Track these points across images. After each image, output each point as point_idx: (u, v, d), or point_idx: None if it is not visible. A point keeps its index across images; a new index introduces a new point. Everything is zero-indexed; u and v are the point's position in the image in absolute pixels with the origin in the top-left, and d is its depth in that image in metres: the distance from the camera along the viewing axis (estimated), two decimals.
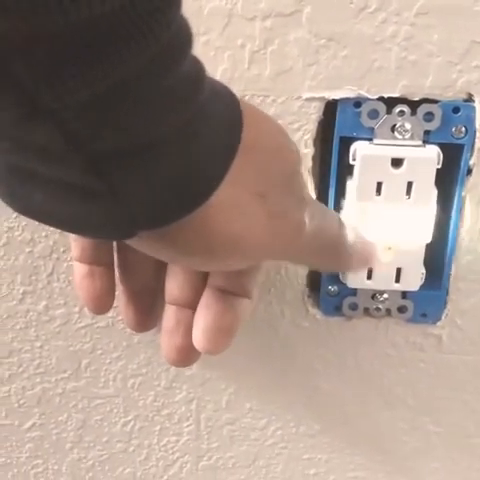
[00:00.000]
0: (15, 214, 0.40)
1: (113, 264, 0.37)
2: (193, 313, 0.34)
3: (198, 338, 0.34)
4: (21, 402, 0.46)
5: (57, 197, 0.24)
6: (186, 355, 0.35)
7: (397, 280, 0.39)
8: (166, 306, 0.36)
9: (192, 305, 0.35)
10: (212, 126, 0.25)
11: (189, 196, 0.25)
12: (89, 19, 0.19)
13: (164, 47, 0.21)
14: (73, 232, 0.28)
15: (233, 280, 0.34)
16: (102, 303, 0.37)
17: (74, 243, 0.37)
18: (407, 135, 0.36)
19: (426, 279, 0.39)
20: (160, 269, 0.36)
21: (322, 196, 0.39)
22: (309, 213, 0.30)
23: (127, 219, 0.25)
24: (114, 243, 0.37)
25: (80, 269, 0.37)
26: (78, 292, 0.37)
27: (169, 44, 0.21)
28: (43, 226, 0.40)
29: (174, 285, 0.35)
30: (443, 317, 0.41)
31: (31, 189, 0.24)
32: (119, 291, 0.38)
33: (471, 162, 0.37)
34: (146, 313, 0.39)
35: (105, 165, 0.23)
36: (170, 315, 0.35)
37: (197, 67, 0.24)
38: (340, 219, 0.34)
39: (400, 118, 0.36)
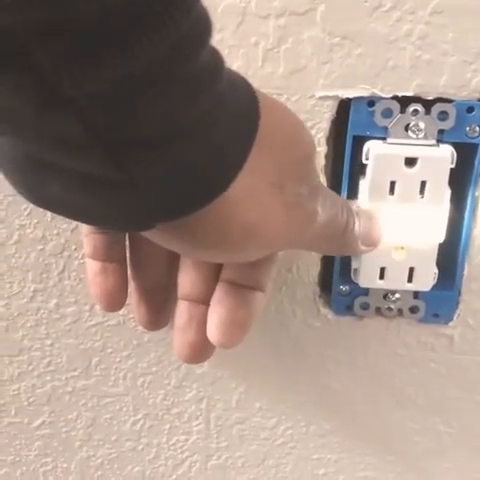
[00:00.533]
0: (27, 212, 0.40)
1: (125, 261, 0.37)
2: (206, 308, 0.34)
3: (213, 332, 0.33)
4: (31, 400, 0.46)
5: (75, 188, 0.24)
6: (199, 351, 0.35)
7: (409, 280, 0.39)
8: (178, 302, 0.36)
9: (205, 300, 0.35)
10: (230, 116, 0.25)
11: (208, 187, 0.25)
12: (110, 7, 0.19)
13: (184, 35, 0.21)
14: (90, 224, 0.28)
15: (246, 273, 0.34)
16: (115, 300, 0.37)
17: (86, 240, 0.36)
18: (421, 134, 0.36)
19: (438, 279, 0.39)
20: (172, 265, 0.36)
21: None
22: (321, 202, 0.31)
23: (146, 211, 0.25)
24: (126, 240, 0.37)
25: (93, 266, 0.37)
26: (90, 289, 0.37)
27: (189, 32, 0.21)
28: (55, 223, 0.40)
29: (186, 280, 0.35)
30: (455, 317, 0.41)
31: (48, 180, 0.24)
32: (131, 288, 0.38)
33: None
34: (158, 311, 0.39)
35: (124, 155, 0.23)
36: (182, 311, 0.35)
37: (216, 57, 0.24)
38: (348, 204, 0.34)
39: (414, 117, 0.36)
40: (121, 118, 0.22)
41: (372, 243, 0.36)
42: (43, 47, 0.19)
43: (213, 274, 0.35)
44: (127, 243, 0.37)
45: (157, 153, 0.23)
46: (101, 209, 0.25)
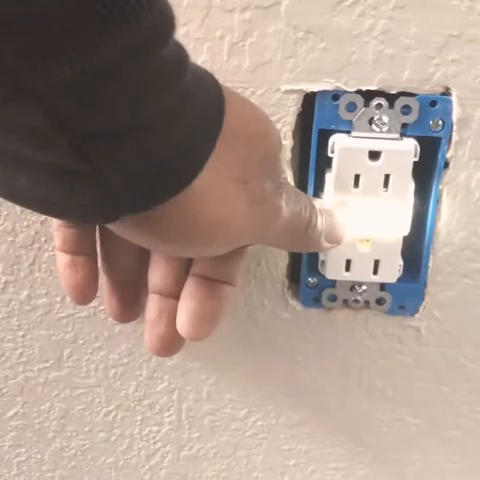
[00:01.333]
0: None
1: (96, 254, 0.38)
2: (176, 303, 0.35)
3: (182, 325, 0.34)
4: (4, 391, 0.47)
5: (41, 180, 0.24)
6: (169, 344, 0.36)
7: (375, 272, 0.39)
8: (149, 296, 0.36)
9: (175, 294, 0.35)
10: (195, 111, 0.25)
11: (171, 180, 0.25)
12: (71, 1, 0.19)
13: (146, 29, 0.21)
14: (56, 216, 0.28)
15: (216, 268, 0.34)
16: (84, 293, 0.37)
17: (56, 233, 0.37)
18: (385, 128, 0.36)
19: (404, 271, 0.39)
20: (143, 260, 0.37)
21: (301, 188, 0.39)
22: (285, 198, 0.31)
23: (110, 202, 0.25)
24: (97, 233, 0.37)
25: (62, 259, 0.37)
26: (61, 281, 0.37)
27: (151, 26, 0.21)
28: (25, 216, 0.40)
29: (157, 275, 0.35)
30: (421, 309, 0.42)
31: (14, 172, 0.24)
32: (102, 282, 0.38)
33: (448, 155, 0.38)
34: (129, 304, 0.39)
35: (89, 147, 0.23)
36: (153, 305, 0.36)
37: (180, 51, 0.24)
38: (311, 202, 0.34)
39: (378, 111, 0.36)
40: (84, 110, 0.22)
41: (335, 240, 0.36)
42: (5, 39, 0.19)
43: (183, 268, 0.35)
44: (97, 236, 0.38)
45: (121, 145, 0.23)
46: (66, 201, 0.25)
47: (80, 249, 0.37)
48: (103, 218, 0.26)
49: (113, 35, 0.20)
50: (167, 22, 0.23)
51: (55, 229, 0.37)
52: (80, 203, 0.25)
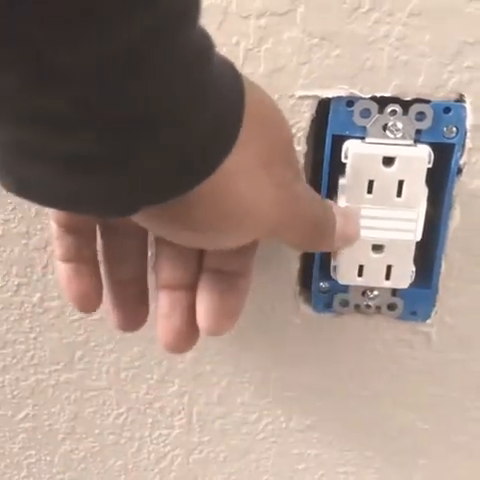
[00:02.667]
0: (11, 207, 0.40)
1: (97, 261, 0.37)
2: (188, 294, 0.35)
3: (203, 320, 0.34)
4: (15, 393, 0.47)
5: (60, 172, 0.24)
6: (184, 338, 0.35)
7: (387, 277, 0.39)
8: (159, 291, 0.36)
9: (186, 286, 0.35)
10: (220, 95, 0.25)
11: (203, 163, 0.25)
12: None
13: (172, 11, 0.21)
14: (77, 211, 0.27)
15: (230, 260, 0.34)
16: (92, 301, 0.36)
17: (57, 242, 0.35)
18: (399, 134, 0.37)
19: (416, 277, 0.40)
20: (145, 259, 0.37)
21: None
22: (303, 188, 0.32)
23: (134, 192, 0.25)
24: (99, 238, 0.37)
25: (66, 269, 0.36)
26: (65, 292, 0.36)
27: (177, 8, 0.22)
28: (39, 218, 0.41)
29: (165, 268, 0.35)
30: (432, 315, 0.42)
31: (34, 166, 0.24)
32: (106, 288, 0.37)
33: (461, 161, 0.38)
34: (134, 306, 0.38)
35: (113, 134, 0.23)
36: (164, 299, 0.35)
37: (205, 37, 0.25)
38: (324, 200, 0.35)
39: (392, 117, 0.36)
40: (113, 95, 0.22)
41: (347, 240, 0.36)
42: (35, 21, 0.19)
43: (192, 260, 0.35)
44: (99, 241, 0.37)
45: (146, 131, 0.23)
46: (87, 193, 0.24)
47: (83, 257, 0.36)
48: (124, 210, 0.26)
49: (138, 16, 0.20)
50: (193, 4, 0.23)
51: (56, 238, 0.36)
52: (101, 194, 0.25)
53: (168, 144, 0.24)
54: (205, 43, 0.25)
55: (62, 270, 0.36)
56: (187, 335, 0.35)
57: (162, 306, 0.35)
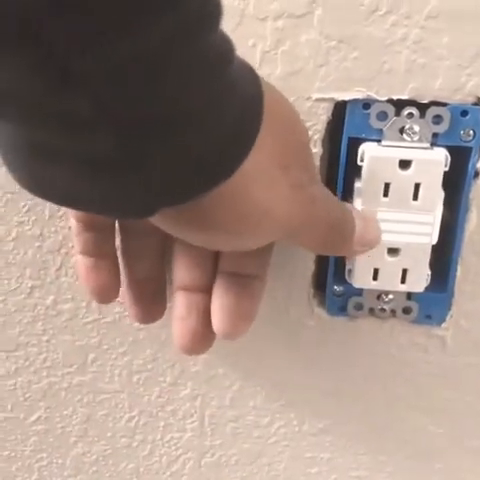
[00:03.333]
0: (25, 209, 0.40)
1: (116, 256, 0.38)
2: (204, 296, 0.35)
3: (219, 324, 0.34)
4: (27, 396, 0.47)
5: (80, 174, 0.24)
6: (199, 340, 0.35)
7: (402, 281, 0.39)
8: (176, 293, 0.36)
9: (202, 288, 0.35)
10: (240, 98, 0.25)
11: (218, 168, 0.25)
12: None
13: (194, 13, 0.21)
14: (94, 211, 0.27)
15: (245, 263, 0.34)
16: (109, 293, 0.38)
17: (77, 239, 0.37)
18: (415, 137, 0.36)
19: (431, 281, 0.39)
20: (163, 258, 0.37)
21: None
22: (320, 191, 0.32)
23: (152, 194, 0.25)
24: (118, 233, 0.38)
25: (85, 262, 0.37)
26: (84, 283, 0.37)
27: (198, 10, 0.22)
28: (53, 221, 0.41)
29: (181, 270, 0.35)
30: (447, 319, 0.42)
31: (53, 168, 0.24)
32: (124, 284, 0.38)
33: (478, 165, 0.38)
34: (151, 303, 0.39)
35: (132, 136, 0.23)
36: (181, 300, 0.36)
37: (226, 39, 0.25)
38: (342, 202, 0.35)
39: (409, 120, 0.36)
40: (133, 98, 0.22)
41: (367, 243, 0.36)
42: (57, 23, 0.19)
43: (209, 262, 0.35)
44: (118, 238, 0.38)
45: (166, 133, 0.23)
46: (107, 195, 0.25)
47: (102, 252, 0.37)
48: (144, 211, 0.26)
49: (162, 19, 0.20)
50: (214, 7, 0.23)
51: (76, 235, 0.37)
52: (120, 196, 0.25)
53: (186, 147, 0.24)
54: (226, 46, 0.25)
55: (81, 263, 0.37)
56: (203, 337, 0.35)
57: (178, 308, 0.36)
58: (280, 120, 0.29)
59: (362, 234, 0.35)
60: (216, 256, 0.35)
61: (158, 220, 0.28)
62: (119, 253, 0.38)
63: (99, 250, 0.37)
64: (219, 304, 0.34)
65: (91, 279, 0.37)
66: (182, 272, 0.35)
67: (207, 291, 0.35)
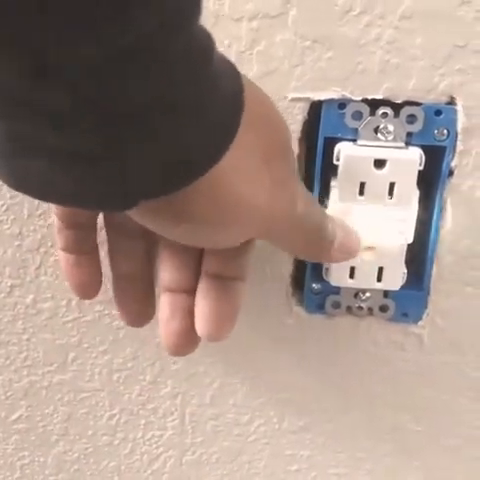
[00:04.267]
0: (4, 208, 0.40)
1: (97, 251, 0.38)
2: (188, 297, 0.35)
3: (202, 326, 0.34)
4: (8, 394, 0.47)
5: (59, 166, 0.24)
6: (184, 341, 0.36)
7: (379, 279, 0.39)
8: (161, 294, 0.36)
9: (186, 289, 0.35)
10: (221, 93, 0.25)
11: (198, 161, 0.25)
12: None
13: (171, 10, 0.21)
14: (74, 205, 0.27)
15: (228, 264, 0.34)
16: (90, 289, 0.38)
17: (58, 235, 0.37)
18: (390, 137, 0.37)
19: (407, 279, 0.40)
20: (151, 259, 0.37)
21: None
22: (300, 190, 0.32)
23: (132, 187, 0.25)
24: (104, 230, 0.38)
25: (67, 258, 0.37)
26: (66, 279, 0.38)
27: (177, 6, 0.22)
28: (32, 220, 0.41)
29: (166, 271, 0.35)
30: (424, 317, 0.42)
31: (32, 160, 0.24)
32: (112, 285, 0.39)
33: (453, 164, 0.38)
34: (140, 304, 0.39)
35: (112, 129, 0.23)
36: (166, 302, 0.36)
37: (206, 35, 0.25)
38: (324, 210, 0.35)
39: (383, 120, 0.37)
40: (109, 91, 0.22)
41: (347, 250, 0.35)
42: (34, 15, 0.19)
43: (193, 263, 0.35)
44: (105, 237, 0.38)
45: (145, 127, 0.23)
46: (86, 187, 0.25)
47: (83, 249, 0.37)
48: (124, 203, 0.26)
49: (142, 13, 0.20)
50: (193, 3, 0.23)
51: (57, 232, 0.37)
52: (100, 188, 0.25)
53: (167, 139, 0.24)
54: (207, 42, 0.25)
55: (63, 259, 0.38)
56: (188, 338, 0.36)
57: (163, 309, 0.36)
58: (260, 116, 0.29)
59: (342, 242, 0.35)
60: (200, 257, 0.35)
61: (137, 214, 0.28)
62: (108, 254, 0.38)
63: (80, 247, 0.37)
64: (202, 306, 0.34)
65: (72, 275, 0.38)
66: (167, 273, 0.35)
67: (192, 292, 0.35)
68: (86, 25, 0.20)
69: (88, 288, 0.38)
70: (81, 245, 0.37)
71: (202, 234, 0.29)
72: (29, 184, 0.25)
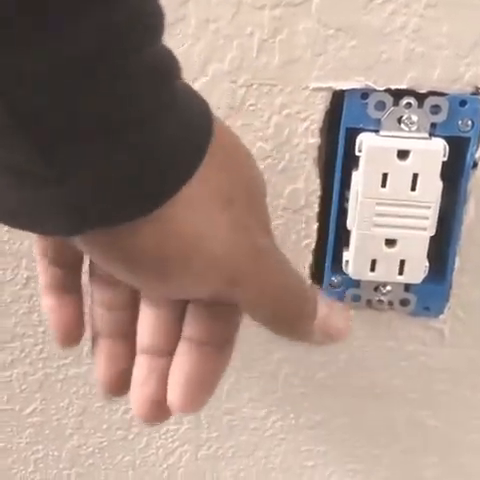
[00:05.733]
0: None
1: (81, 294, 0.34)
2: (166, 362, 0.31)
3: (172, 397, 0.30)
4: (23, 387, 0.47)
5: (5, 182, 0.23)
6: (157, 409, 0.31)
7: (400, 272, 0.39)
8: (137, 357, 0.32)
9: (164, 353, 0.31)
10: (182, 122, 0.24)
11: (149, 194, 0.23)
12: None
13: (121, 27, 0.20)
14: (18, 226, 0.24)
15: (212, 328, 0.30)
16: (73, 332, 0.33)
17: (41, 274, 0.33)
18: (413, 127, 0.36)
19: (429, 272, 0.39)
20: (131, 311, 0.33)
21: (327, 187, 0.39)
22: (271, 245, 0.29)
23: (77, 212, 0.23)
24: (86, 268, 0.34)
25: (49, 300, 0.33)
26: (50, 324, 0.34)
27: (128, 25, 0.21)
28: None
29: (145, 332, 0.32)
30: (445, 311, 0.41)
31: None
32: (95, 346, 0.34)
33: (477, 155, 0.37)
34: (124, 370, 0.33)
35: (55, 149, 0.21)
36: (141, 364, 0.31)
37: (170, 55, 0.23)
38: (309, 283, 0.32)
39: (407, 110, 0.36)
40: (51, 107, 0.20)
41: (330, 334, 0.31)
42: None
43: (173, 325, 0.31)
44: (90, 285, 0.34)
45: (92, 149, 0.22)
46: (30, 207, 0.23)
47: (66, 288, 0.33)
48: (67, 229, 0.24)
49: (86, 27, 0.19)
50: (148, 25, 0.22)
51: (40, 271, 0.33)
52: (43, 210, 0.23)
53: (116, 165, 0.22)
54: (169, 62, 0.23)
55: (45, 304, 0.33)
56: (160, 405, 0.31)
57: (138, 372, 0.31)
58: (232, 158, 0.27)
59: (325, 320, 0.30)
60: (182, 320, 0.31)
61: (83, 241, 0.25)
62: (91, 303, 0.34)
63: (63, 286, 0.33)
64: (176, 375, 0.30)
65: (55, 316, 0.33)
66: (145, 334, 0.31)
67: (171, 356, 0.31)
68: (30, 30, 0.19)
69: (70, 330, 0.33)
70: (64, 284, 0.33)
71: (152, 277, 0.26)
72: None
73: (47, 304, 0.33)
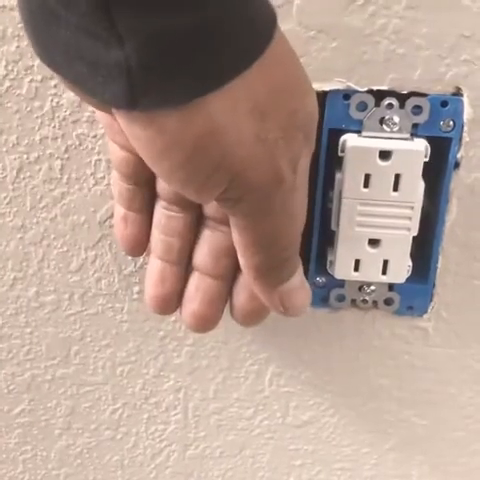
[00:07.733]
0: (6, 200, 0.40)
1: (146, 212, 0.37)
2: (212, 282, 0.36)
3: (238, 316, 0.37)
4: (10, 388, 0.47)
5: (73, 42, 0.23)
6: (202, 321, 0.37)
7: (384, 272, 0.39)
8: (192, 272, 0.37)
9: (212, 274, 0.36)
10: (247, 15, 0.25)
11: (202, 78, 0.24)
12: None
13: None
14: (86, 91, 0.26)
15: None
16: (133, 247, 0.38)
17: (113, 187, 0.38)
18: (395, 128, 0.36)
19: (413, 272, 0.39)
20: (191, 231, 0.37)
21: (310, 187, 0.39)
22: (290, 190, 0.29)
23: (138, 77, 0.23)
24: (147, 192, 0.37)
25: (118, 211, 0.38)
26: (115, 232, 0.39)
27: None
28: (34, 212, 0.40)
29: (199, 252, 0.36)
30: (429, 310, 0.42)
31: (54, 32, 0.24)
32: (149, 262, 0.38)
33: (459, 155, 0.38)
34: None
35: (115, 10, 0.22)
36: (192, 281, 0.37)
37: None
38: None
39: (388, 111, 0.36)
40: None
41: (290, 302, 0.34)
42: None
43: (225, 251, 0.36)
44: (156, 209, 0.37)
45: (155, 12, 0.22)
46: (93, 69, 0.24)
47: (131, 206, 0.37)
48: (122, 99, 0.24)
49: None
50: None
51: (113, 184, 0.38)
52: (106, 73, 0.24)
53: (174, 36, 0.23)
54: None
55: (116, 211, 0.38)
56: (205, 319, 0.37)
57: (188, 288, 0.37)
58: (280, 70, 0.27)
59: (291, 291, 0.34)
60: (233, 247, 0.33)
61: (135, 122, 0.26)
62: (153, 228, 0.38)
63: (130, 203, 0.37)
64: (238, 297, 0.37)
65: (119, 228, 0.38)
66: (198, 254, 0.36)
67: (217, 278, 0.37)
68: None
69: (132, 245, 0.38)
70: (132, 201, 0.37)
71: (175, 160, 0.27)
72: (50, 56, 0.25)
73: (116, 216, 0.38)
